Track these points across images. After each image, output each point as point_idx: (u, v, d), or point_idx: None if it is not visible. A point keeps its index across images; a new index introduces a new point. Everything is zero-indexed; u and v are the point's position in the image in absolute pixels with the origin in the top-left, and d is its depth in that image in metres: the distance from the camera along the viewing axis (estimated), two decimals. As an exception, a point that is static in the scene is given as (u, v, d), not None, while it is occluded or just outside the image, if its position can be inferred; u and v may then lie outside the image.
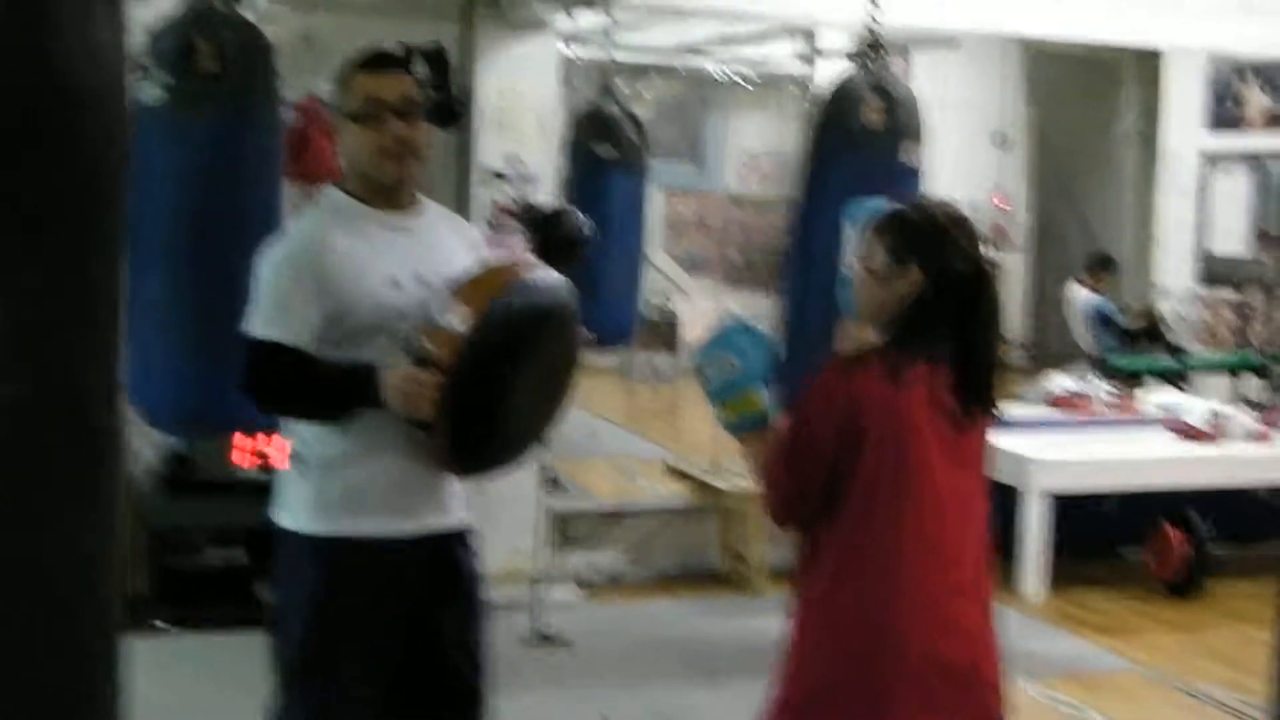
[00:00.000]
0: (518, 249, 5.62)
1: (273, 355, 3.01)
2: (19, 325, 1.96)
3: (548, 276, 3.21)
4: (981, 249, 2.84)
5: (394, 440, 3.06)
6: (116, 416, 2.18)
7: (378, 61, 3.17)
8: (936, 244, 2.78)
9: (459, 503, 3.27)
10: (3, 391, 1.95)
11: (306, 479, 3.12)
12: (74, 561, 2.05)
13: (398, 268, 3.09)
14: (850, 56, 4.93)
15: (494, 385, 3.03)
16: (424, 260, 3.12)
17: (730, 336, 2.96)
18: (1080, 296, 10.94)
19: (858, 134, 4.70)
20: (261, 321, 3.03)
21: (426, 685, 3.24)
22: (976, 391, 2.82)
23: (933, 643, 2.75)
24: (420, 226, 3.20)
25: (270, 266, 3.06)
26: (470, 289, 3.05)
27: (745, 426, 2.95)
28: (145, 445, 6.03)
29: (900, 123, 4.74)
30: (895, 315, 2.79)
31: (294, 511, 3.15)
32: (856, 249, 2.97)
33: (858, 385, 2.75)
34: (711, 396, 2.97)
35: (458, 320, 2.97)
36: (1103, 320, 10.78)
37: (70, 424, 2.04)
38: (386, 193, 3.15)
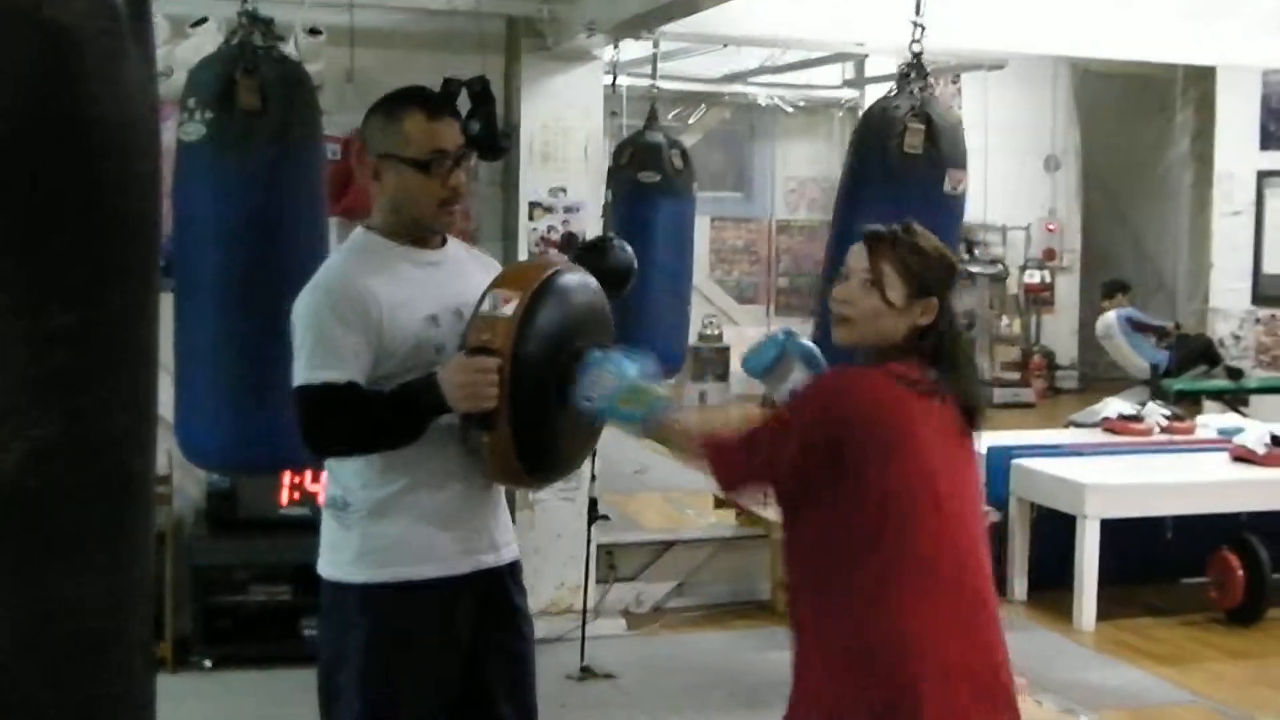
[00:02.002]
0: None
1: (327, 395, 2.95)
2: (48, 369, 1.96)
3: (582, 273, 3.24)
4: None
5: (443, 477, 3.04)
6: (147, 460, 2.17)
7: (435, 106, 3.12)
8: (949, 278, 2.89)
9: (508, 536, 3.24)
10: (31, 436, 1.94)
11: (350, 526, 3.06)
12: (104, 604, 2.05)
13: (434, 304, 3.06)
14: (895, 81, 4.87)
15: (552, 363, 3.00)
16: (457, 294, 3.08)
17: (596, 361, 2.99)
18: (1111, 320, 10.96)
19: (897, 160, 4.64)
20: (309, 366, 2.96)
21: None
22: (971, 415, 2.88)
23: (961, 655, 2.74)
24: (448, 260, 3.19)
25: (309, 310, 3.00)
26: (512, 279, 3.08)
27: (654, 412, 2.95)
28: (189, 483, 6.03)
29: (943, 150, 4.66)
30: (899, 343, 2.84)
31: (338, 561, 3.08)
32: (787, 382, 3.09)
33: (870, 385, 2.80)
34: (607, 412, 2.98)
35: (506, 307, 2.97)
36: (1135, 325, 10.79)
37: (100, 467, 2.04)
38: (419, 232, 3.12)
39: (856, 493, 2.74)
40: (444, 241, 3.21)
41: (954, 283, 2.88)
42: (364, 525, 3.04)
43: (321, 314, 2.98)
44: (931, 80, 4.78)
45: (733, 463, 2.88)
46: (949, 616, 2.75)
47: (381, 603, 3.03)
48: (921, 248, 2.88)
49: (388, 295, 3.01)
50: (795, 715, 2.90)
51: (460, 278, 3.15)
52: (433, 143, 3.05)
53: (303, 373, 2.97)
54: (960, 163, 4.70)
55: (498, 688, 3.20)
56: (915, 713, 2.70)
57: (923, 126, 4.61)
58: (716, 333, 13.24)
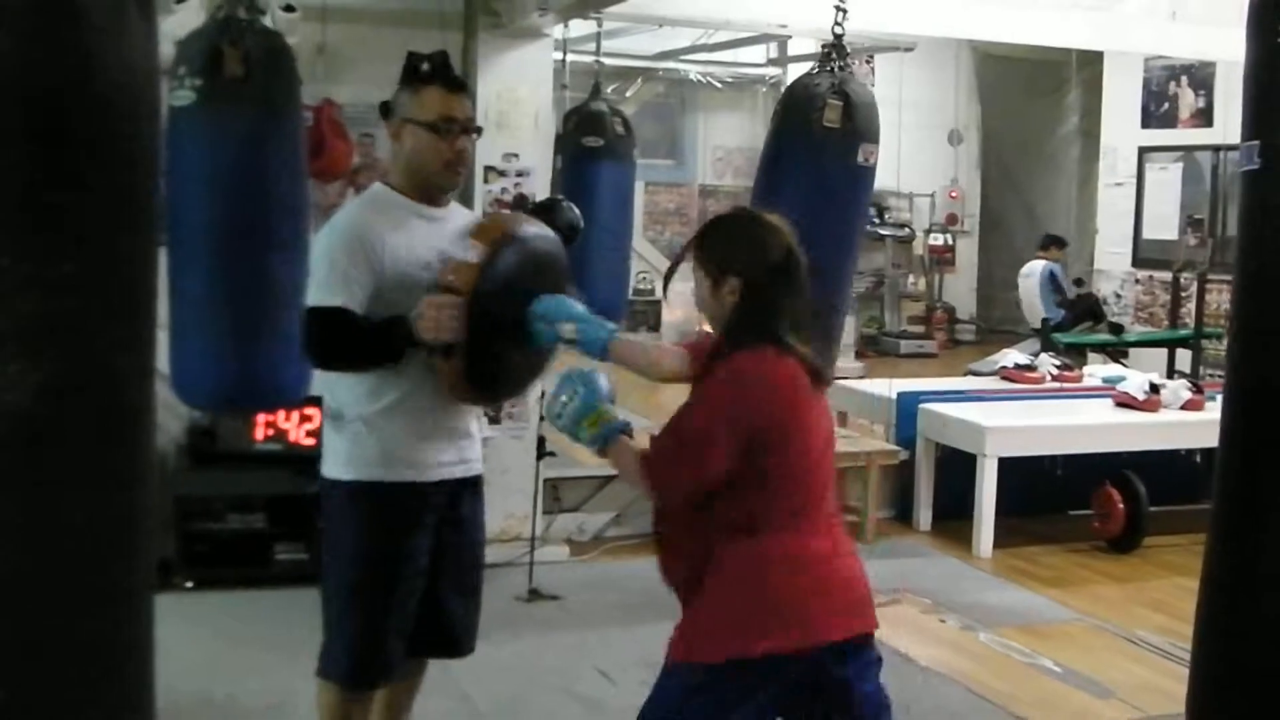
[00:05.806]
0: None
1: (332, 317, 3.16)
2: (55, 313, 1.95)
3: (542, 227, 3.44)
4: (788, 234, 2.90)
5: (422, 399, 3.27)
6: (147, 396, 2.16)
7: (453, 82, 3.35)
8: (745, 248, 2.88)
9: (475, 454, 3.47)
10: (41, 374, 1.93)
11: (342, 434, 3.32)
12: (111, 525, 2.04)
13: (430, 253, 3.27)
14: (817, 60, 4.84)
15: (505, 304, 3.16)
16: (452, 247, 3.28)
17: (566, 381, 3.01)
18: (1037, 267, 11.19)
19: (817, 133, 4.60)
20: (321, 292, 3.17)
21: (422, 625, 3.41)
22: (816, 375, 2.90)
23: (838, 564, 2.92)
24: (449, 218, 3.40)
25: (326, 246, 3.25)
26: (480, 231, 3.28)
27: (608, 435, 2.96)
28: (171, 420, 5.99)
29: (859, 125, 4.62)
30: (730, 317, 2.88)
31: (334, 463, 3.35)
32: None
33: (741, 367, 2.83)
34: (568, 429, 3.00)
35: (472, 254, 3.17)
36: (1052, 281, 11.02)
37: (104, 403, 2.03)
38: (429, 191, 3.34)
39: (754, 472, 2.82)
40: (448, 203, 3.43)
41: (761, 259, 2.85)
42: (353, 434, 3.31)
43: (335, 250, 3.24)
44: (851, 60, 4.75)
45: (668, 483, 2.93)
46: (827, 535, 2.93)
47: (364, 498, 3.30)
48: (715, 233, 2.96)
49: (392, 240, 3.25)
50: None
51: (456, 233, 3.36)
52: (443, 110, 3.29)
53: (312, 297, 3.18)
54: (873, 137, 4.66)
55: (446, 585, 3.44)
56: (814, 610, 2.87)
57: (840, 103, 4.56)
58: (650, 288, 13.24)
